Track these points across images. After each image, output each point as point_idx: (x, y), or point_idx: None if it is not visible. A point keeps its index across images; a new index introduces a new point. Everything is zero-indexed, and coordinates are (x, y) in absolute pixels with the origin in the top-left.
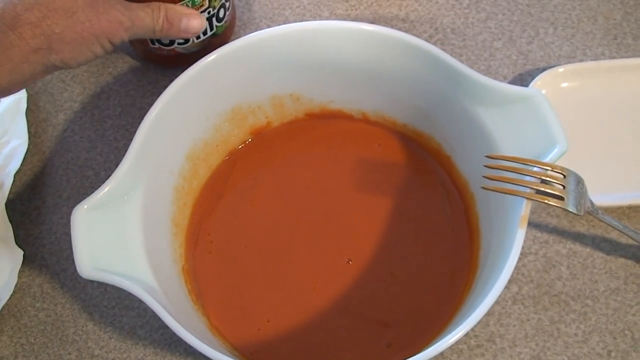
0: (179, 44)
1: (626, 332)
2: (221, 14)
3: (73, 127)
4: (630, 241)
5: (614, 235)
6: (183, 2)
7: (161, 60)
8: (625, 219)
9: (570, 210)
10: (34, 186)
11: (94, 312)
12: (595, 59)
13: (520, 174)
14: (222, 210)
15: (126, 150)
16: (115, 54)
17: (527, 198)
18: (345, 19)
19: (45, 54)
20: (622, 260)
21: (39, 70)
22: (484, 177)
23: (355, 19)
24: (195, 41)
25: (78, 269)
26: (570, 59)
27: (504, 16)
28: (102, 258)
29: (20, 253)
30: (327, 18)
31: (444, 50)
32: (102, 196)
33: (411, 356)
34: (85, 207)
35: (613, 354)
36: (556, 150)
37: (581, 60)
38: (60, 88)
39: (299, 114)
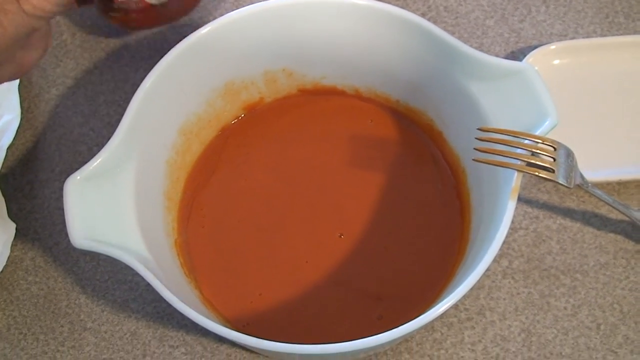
0: None
1: (615, 305)
2: None
3: (66, 103)
4: (620, 216)
5: (603, 210)
6: None
7: (129, 20)
8: (615, 194)
9: (560, 182)
10: (26, 161)
11: (87, 285)
12: (587, 37)
13: (511, 146)
14: (215, 185)
15: (118, 125)
16: (106, 28)
17: (517, 170)
18: None
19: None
20: (612, 235)
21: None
22: (475, 149)
23: None
24: None
25: (71, 238)
26: (562, 37)
27: None
28: (94, 228)
29: (12, 226)
30: None
31: None
32: (94, 167)
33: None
34: (78, 177)
35: (602, 327)
36: (547, 123)
37: (573, 38)
38: (53, 63)
39: (291, 89)
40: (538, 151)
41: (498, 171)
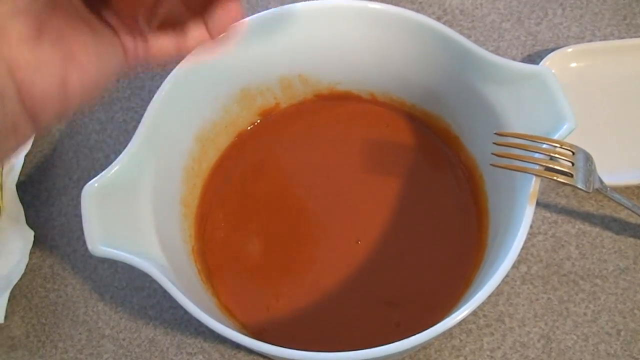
0: None
1: (635, 311)
2: None
3: (82, 110)
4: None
5: (623, 214)
6: None
7: None
8: (635, 198)
9: (579, 187)
10: (43, 168)
11: (105, 292)
12: (604, 39)
13: (529, 151)
14: (231, 191)
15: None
16: None
17: (536, 175)
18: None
19: None
20: (632, 239)
21: None
22: (492, 154)
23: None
24: None
25: (89, 246)
26: (579, 39)
27: None
28: (112, 236)
29: (31, 233)
30: None
31: None
32: (112, 175)
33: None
34: (96, 185)
35: (622, 333)
36: (565, 127)
37: (590, 41)
38: None
39: (307, 95)
40: (556, 155)
41: (516, 176)
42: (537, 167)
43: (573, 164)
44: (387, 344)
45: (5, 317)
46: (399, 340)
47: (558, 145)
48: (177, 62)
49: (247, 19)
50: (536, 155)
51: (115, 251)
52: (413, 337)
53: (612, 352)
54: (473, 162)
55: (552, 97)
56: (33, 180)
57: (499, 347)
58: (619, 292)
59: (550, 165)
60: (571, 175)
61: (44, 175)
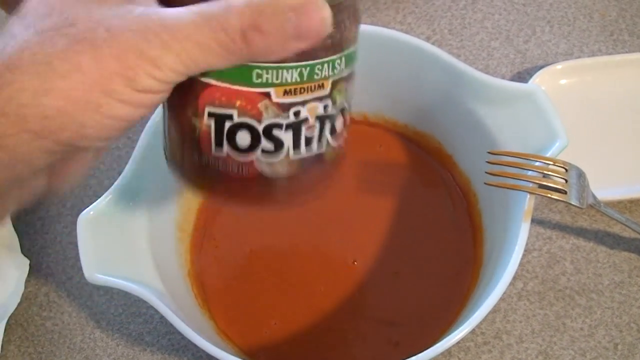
0: (263, 151)
1: (632, 324)
2: (338, 125)
3: None
4: (633, 234)
5: (616, 229)
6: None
7: (224, 188)
8: (627, 212)
9: (573, 203)
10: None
11: (101, 319)
12: (592, 56)
13: (523, 169)
14: (226, 214)
15: (129, 158)
16: None
17: (530, 192)
18: None
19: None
20: (626, 253)
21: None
22: (486, 172)
23: None
24: (292, 156)
25: (85, 274)
26: (568, 56)
27: (500, 16)
28: (108, 263)
29: (26, 262)
30: None
31: None
32: (107, 202)
33: (418, 353)
34: (92, 213)
35: (620, 347)
36: (557, 144)
37: (578, 57)
38: None
39: None
40: (549, 173)
41: (510, 193)
42: (530, 184)
43: (566, 181)
44: None
45: (2, 347)
46: None
47: (551, 163)
48: None
49: None
50: (529, 173)
51: (111, 279)
52: (412, 359)
53: None
54: (466, 180)
55: (543, 115)
56: (27, 208)
57: None
58: (615, 306)
59: (544, 183)
60: (565, 192)
61: (38, 203)
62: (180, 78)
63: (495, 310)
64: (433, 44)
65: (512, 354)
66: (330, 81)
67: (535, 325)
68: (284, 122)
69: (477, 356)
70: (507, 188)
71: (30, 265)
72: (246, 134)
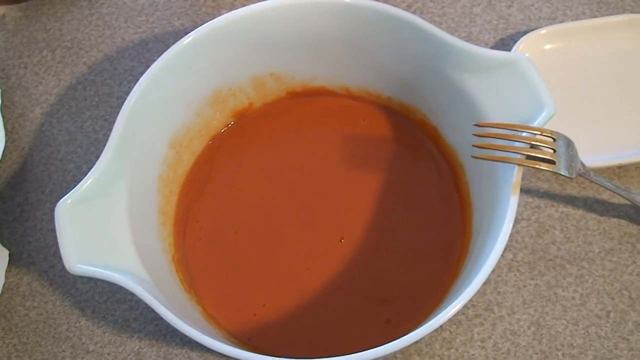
0: None
1: (623, 292)
2: None
3: (51, 121)
4: (622, 201)
5: (605, 196)
6: None
7: None
8: (616, 178)
9: (562, 173)
10: (14, 183)
11: (86, 307)
12: (576, 19)
13: (510, 140)
14: (209, 196)
15: (107, 141)
16: (87, 42)
17: (518, 164)
18: None
19: None
20: (615, 220)
21: None
22: (473, 146)
23: None
24: None
25: (66, 265)
26: (551, 20)
27: None
28: (89, 253)
29: (6, 253)
30: None
31: (423, 19)
32: (85, 189)
33: (410, 331)
34: (69, 201)
35: (612, 314)
36: (544, 113)
37: (562, 21)
38: (35, 81)
39: (281, 93)
40: (537, 143)
41: (498, 165)
42: (518, 156)
43: (555, 151)
44: (378, 341)
45: None
46: (391, 338)
47: (538, 133)
48: (145, 66)
49: (215, 20)
50: (517, 144)
51: (93, 269)
52: (405, 337)
53: (603, 334)
54: (453, 152)
55: (529, 84)
56: (4, 196)
57: (489, 337)
58: (605, 274)
59: (532, 154)
60: (553, 162)
61: (16, 190)
62: None
63: (485, 282)
64: (414, 12)
65: (505, 326)
66: None
67: (526, 296)
68: None
69: (469, 329)
70: (495, 160)
71: (10, 255)
72: None
